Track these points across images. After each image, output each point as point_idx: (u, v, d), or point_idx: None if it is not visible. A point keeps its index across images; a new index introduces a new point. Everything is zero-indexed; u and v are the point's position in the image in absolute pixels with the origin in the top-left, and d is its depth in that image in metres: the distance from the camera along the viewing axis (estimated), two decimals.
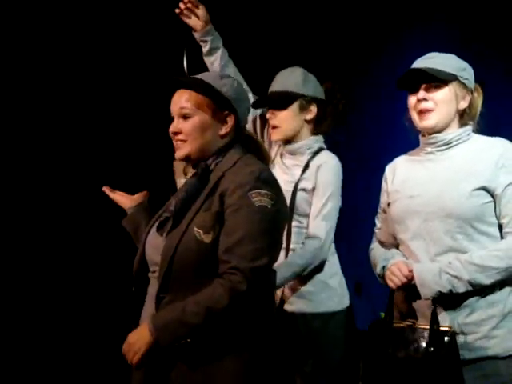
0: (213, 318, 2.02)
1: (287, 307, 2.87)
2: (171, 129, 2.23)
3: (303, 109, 2.94)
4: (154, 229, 2.25)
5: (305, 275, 2.85)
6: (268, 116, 2.99)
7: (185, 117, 2.20)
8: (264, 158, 2.29)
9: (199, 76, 2.27)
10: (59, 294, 4.46)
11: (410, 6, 4.47)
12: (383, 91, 4.63)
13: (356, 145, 4.06)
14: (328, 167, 2.91)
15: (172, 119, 2.25)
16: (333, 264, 2.94)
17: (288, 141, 2.99)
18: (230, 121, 2.22)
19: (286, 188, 2.75)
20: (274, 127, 2.96)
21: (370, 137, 4.50)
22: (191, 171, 2.28)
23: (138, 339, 2.05)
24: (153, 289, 2.18)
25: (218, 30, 3.13)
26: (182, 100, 2.21)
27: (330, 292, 2.89)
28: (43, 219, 4.48)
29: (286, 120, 2.93)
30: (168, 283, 2.10)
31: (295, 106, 2.93)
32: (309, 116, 2.95)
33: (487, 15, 4.22)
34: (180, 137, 2.21)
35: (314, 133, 3.00)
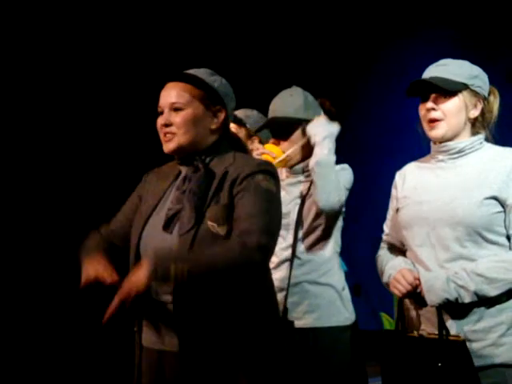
0: (218, 269, 2.01)
1: (295, 323, 2.75)
2: (161, 121, 2.20)
3: (306, 133, 2.84)
4: (152, 228, 2.19)
5: (314, 289, 2.82)
6: (272, 142, 2.90)
7: (176, 109, 2.18)
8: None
9: (190, 71, 2.26)
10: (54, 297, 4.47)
11: (408, 14, 4.52)
12: (381, 100, 4.72)
13: (356, 147, 4.10)
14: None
15: (158, 114, 2.22)
16: (341, 278, 2.90)
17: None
18: (221, 115, 2.25)
19: (289, 206, 2.81)
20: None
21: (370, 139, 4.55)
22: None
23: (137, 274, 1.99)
24: (154, 292, 2.14)
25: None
26: (174, 93, 2.20)
27: (339, 306, 2.84)
28: (42, 219, 4.49)
29: (290, 148, 2.85)
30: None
31: (298, 133, 2.87)
32: (313, 139, 2.83)
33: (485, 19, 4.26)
34: (170, 129, 2.19)
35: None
